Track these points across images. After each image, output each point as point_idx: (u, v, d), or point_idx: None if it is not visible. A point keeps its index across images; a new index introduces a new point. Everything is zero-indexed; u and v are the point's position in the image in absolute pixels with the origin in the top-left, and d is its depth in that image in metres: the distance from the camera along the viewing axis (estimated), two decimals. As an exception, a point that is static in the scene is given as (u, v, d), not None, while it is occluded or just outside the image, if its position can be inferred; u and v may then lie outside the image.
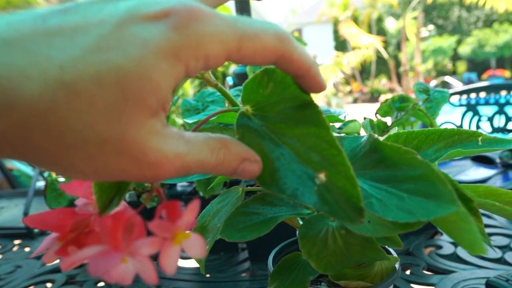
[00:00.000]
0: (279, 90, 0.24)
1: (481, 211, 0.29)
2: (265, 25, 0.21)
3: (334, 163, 0.22)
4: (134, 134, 0.18)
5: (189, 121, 0.42)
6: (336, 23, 14.82)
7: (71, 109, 0.17)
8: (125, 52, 0.18)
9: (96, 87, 0.17)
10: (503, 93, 1.39)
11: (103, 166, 0.18)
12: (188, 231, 0.21)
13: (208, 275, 0.58)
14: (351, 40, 11.54)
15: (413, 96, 0.61)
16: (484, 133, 0.30)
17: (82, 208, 0.24)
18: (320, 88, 0.24)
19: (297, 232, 0.35)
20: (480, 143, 0.30)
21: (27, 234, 0.84)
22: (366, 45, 11.20)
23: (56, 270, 0.66)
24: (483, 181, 0.89)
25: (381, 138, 0.26)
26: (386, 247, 0.35)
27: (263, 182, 0.24)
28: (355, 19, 15.25)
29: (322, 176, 0.22)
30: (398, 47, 17.15)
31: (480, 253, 0.22)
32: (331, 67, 9.91)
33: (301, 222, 0.37)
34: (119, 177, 0.19)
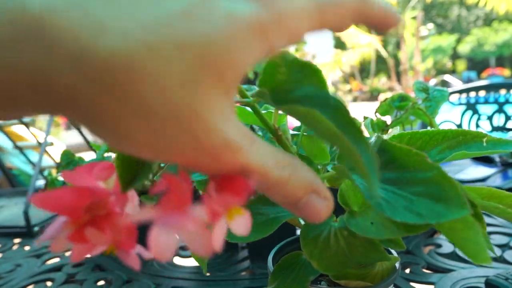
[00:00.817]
0: (299, 77, 0.23)
1: (481, 211, 0.29)
2: None
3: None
4: (203, 109, 0.17)
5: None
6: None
7: (149, 71, 0.16)
8: (212, 22, 0.17)
9: (178, 53, 0.16)
10: (503, 91, 1.39)
11: (164, 142, 0.17)
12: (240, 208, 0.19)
13: (208, 274, 0.58)
14: (346, 40, 11.53)
15: (412, 95, 0.61)
16: (487, 133, 0.30)
17: (99, 187, 0.22)
18: (395, 19, 0.24)
19: (297, 231, 0.35)
20: (484, 144, 0.30)
21: (27, 233, 0.84)
22: (365, 44, 11.19)
23: (56, 268, 0.66)
24: (483, 179, 0.89)
25: (385, 137, 0.26)
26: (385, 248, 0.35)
27: None
28: (355, 18, 15.20)
29: None
30: (398, 45, 17.14)
31: (484, 263, 0.21)
32: (330, 65, 9.90)
33: (302, 222, 0.37)
34: (172, 158, 0.18)
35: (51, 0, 0.15)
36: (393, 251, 0.35)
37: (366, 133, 0.45)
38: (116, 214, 0.20)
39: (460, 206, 0.21)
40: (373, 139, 0.27)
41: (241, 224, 0.19)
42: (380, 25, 0.23)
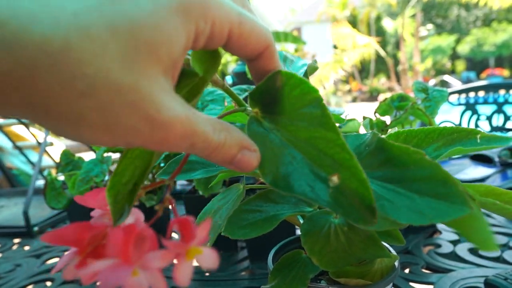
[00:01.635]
0: (286, 91, 0.24)
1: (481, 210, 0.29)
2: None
3: (347, 166, 0.22)
4: (146, 85, 0.18)
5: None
6: (335, 22, 14.84)
7: (84, 52, 0.16)
8: (138, 4, 0.18)
9: (110, 34, 0.17)
10: (502, 92, 1.39)
11: (115, 119, 0.18)
12: (200, 247, 0.21)
13: (207, 274, 0.58)
14: (339, 42, 11.51)
15: (412, 95, 0.62)
16: (481, 130, 0.30)
17: (97, 219, 0.24)
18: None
19: (296, 231, 0.35)
20: (478, 140, 0.30)
21: (26, 233, 0.84)
22: (363, 45, 11.19)
23: (56, 268, 0.66)
24: (482, 179, 0.89)
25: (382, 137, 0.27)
26: (386, 246, 0.35)
27: (277, 186, 0.24)
28: (354, 18, 15.25)
29: (335, 179, 0.22)
30: (397, 46, 17.15)
31: (493, 250, 0.21)
32: (331, 64, 9.89)
33: (301, 221, 0.37)
34: (129, 138, 0.19)
35: None
36: (392, 250, 0.35)
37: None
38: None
39: (462, 203, 0.21)
40: (368, 136, 0.27)
41: (204, 259, 0.21)
42: (266, 74, 0.25)
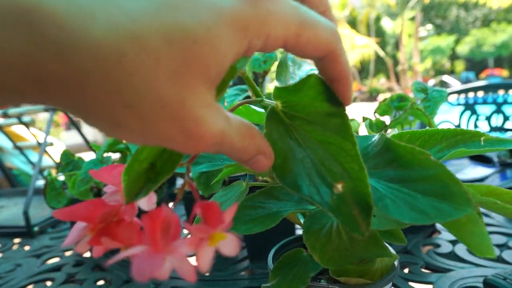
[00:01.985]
0: (312, 93, 0.24)
1: (480, 210, 0.30)
2: (323, 19, 0.22)
3: (354, 177, 0.23)
4: (192, 103, 0.18)
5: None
6: (334, 22, 14.81)
7: (137, 64, 0.16)
8: (197, 14, 0.17)
9: (166, 46, 0.17)
10: (501, 92, 1.40)
11: (153, 129, 0.18)
12: (224, 232, 0.21)
13: (207, 274, 0.58)
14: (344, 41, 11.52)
15: (411, 95, 0.62)
16: (485, 133, 0.31)
17: (110, 196, 0.24)
18: (347, 101, 0.24)
19: (296, 231, 0.35)
20: (482, 143, 0.30)
21: (26, 233, 0.84)
22: (362, 45, 11.19)
23: (56, 268, 0.66)
24: (481, 179, 0.89)
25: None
26: (386, 245, 0.35)
27: (284, 182, 0.24)
28: (354, 19, 15.25)
29: (339, 187, 0.23)
30: (397, 46, 17.16)
31: (488, 256, 0.22)
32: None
33: (301, 219, 0.37)
34: (162, 143, 0.19)
35: None
36: (392, 249, 0.35)
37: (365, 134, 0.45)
38: (125, 221, 0.23)
39: (464, 203, 0.21)
40: (376, 138, 0.27)
41: (227, 246, 0.21)
42: (338, 84, 0.24)
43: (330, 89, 0.24)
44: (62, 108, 0.18)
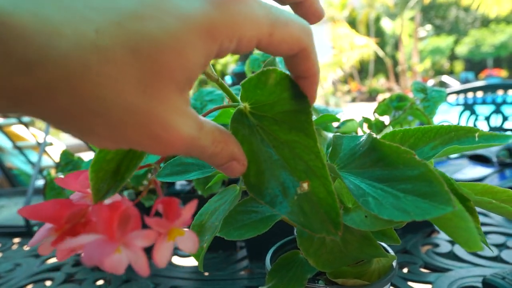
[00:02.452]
0: (279, 90, 0.24)
1: (478, 209, 0.29)
2: (295, 16, 0.22)
3: (319, 175, 0.23)
4: (160, 110, 0.18)
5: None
6: (333, 22, 14.84)
7: (102, 76, 0.16)
8: (163, 24, 0.17)
9: (130, 57, 0.17)
10: (500, 92, 1.40)
11: (122, 135, 0.18)
12: (183, 228, 0.21)
13: (206, 273, 0.58)
14: (336, 43, 11.52)
15: (410, 95, 0.62)
16: (479, 128, 0.30)
17: (77, 201, 0.24)
18: (312, 98, 0.25)
19: (295, 230, 0.35)
20: (477, 138, 0.29)
21: (26, 233, 0.84)
22: (361, 46, 11.20)
23: (55, 268, 0.66)
24: (480, 179, 0.89)
25: (378, 137, 0.27)
26: (384, 246, 0.35)
27: (248, 182, 0.24)
28: (353, 19, 15.26)
29: (305, 186, 0.23)
30: (396, 46, 17.16)
31: (477, 250, 0.22)
32: (330, 65, 9.89)
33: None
34: (133, 147, 0.20)
35: (3, 2, 0.15)
36: (390, 250, 0.35)
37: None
38: (93, 223, 0.22)
39: (445, 202, 0.21)
40: (364, 138, 0.28)
41: (185, 242, 0.21)
42: (306, 82, 0.24)
43: (296, 85, 0.24)
44: (32, 117, 0.18)
